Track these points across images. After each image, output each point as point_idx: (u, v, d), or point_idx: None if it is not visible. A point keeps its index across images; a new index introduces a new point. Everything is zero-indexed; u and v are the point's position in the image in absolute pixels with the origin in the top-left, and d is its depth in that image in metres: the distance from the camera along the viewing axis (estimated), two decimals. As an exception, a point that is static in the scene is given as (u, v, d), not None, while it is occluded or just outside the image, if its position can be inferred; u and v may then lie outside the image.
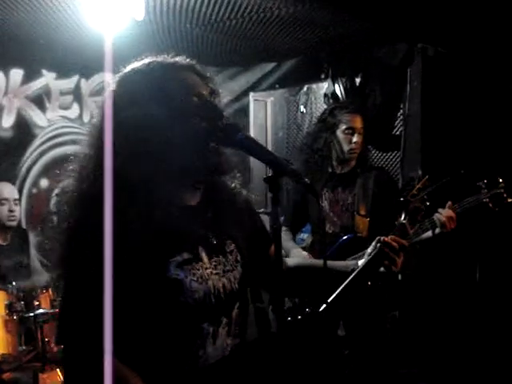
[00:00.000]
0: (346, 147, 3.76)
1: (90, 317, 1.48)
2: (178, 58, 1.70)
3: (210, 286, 1.61)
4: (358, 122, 3.80)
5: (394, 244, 1.97)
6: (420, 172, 2.64)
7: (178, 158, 1.56)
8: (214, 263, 1.65)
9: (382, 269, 2.01)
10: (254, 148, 1.58)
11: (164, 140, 1.56)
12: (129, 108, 1.57)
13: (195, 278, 1.58)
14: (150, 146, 1.55)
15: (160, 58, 1.69)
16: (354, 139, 3.75)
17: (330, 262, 2.13)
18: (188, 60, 1.71)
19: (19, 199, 4.60)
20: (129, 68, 1.68)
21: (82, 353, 1.51)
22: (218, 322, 1.64)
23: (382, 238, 2.01)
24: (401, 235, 2.13)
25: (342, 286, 2.04)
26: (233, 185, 1.79)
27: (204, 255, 1.64)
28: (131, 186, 1.53)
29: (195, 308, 1.57)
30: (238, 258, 1.73)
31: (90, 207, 1.53)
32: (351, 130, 3.76)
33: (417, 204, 2.41)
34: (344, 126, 3.77)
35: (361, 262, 2.05)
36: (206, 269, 1.62)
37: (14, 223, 4.38)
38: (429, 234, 3.43)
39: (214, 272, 1.64)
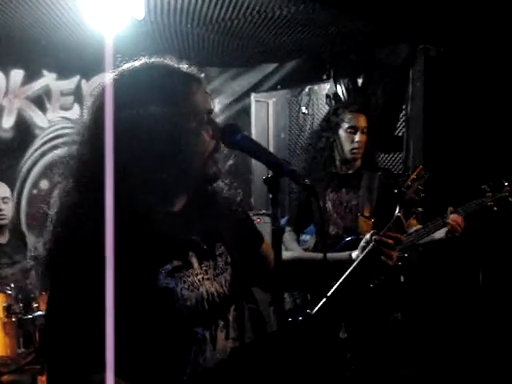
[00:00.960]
0: (347, 146, 3.71)
1: (76, 329, 1.44)
2: (184, 66, 1.63)
3: (203, 292, 1.58)
4: (361, 121, 3.75)
5: (390, 241, 1.96)
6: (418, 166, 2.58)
7: (176, 167, 1.53)
8: (204, 268, 1.62)
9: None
10: (253, 149, 1.56)
11: (166, 148, 1.51)
12: (126, 111, 1.50)
13: (186, 286, 1.55)
14: (151, 152, 1.50)
15: (163, 63, 1.61)
16: (357, 138, 3.69)
17: (321, 254, 2.10)
18: (193, 69, 1.64)
19: (15, 198, 4.60)
20: (128, 68, 1.60)
21: (66, 368, 1.45)
22: (215, 327, 1.61)
23: (376, 236, 1.99)
24: (396, 229, 2.11)
25: (337, 283, 2.03)
26: (220, 186, 1.75)
27: (194, 261, 1.60)
28: (122, 191, 1.47)
29: (188, 315, 1.54)
30: (228, 260, 1.70)
31: (80, 213, 1.48)
32: (353, 129, 3.71)
33: (411, 195, 2.36)
34: (346, 125, 3.72)
35: (355, 254, 2.02)
36: (197, 275, 1.59)
37: (5, 221, 4.35)
38: (441, 234, 3.39)
39: (206, 277, 1.61)
